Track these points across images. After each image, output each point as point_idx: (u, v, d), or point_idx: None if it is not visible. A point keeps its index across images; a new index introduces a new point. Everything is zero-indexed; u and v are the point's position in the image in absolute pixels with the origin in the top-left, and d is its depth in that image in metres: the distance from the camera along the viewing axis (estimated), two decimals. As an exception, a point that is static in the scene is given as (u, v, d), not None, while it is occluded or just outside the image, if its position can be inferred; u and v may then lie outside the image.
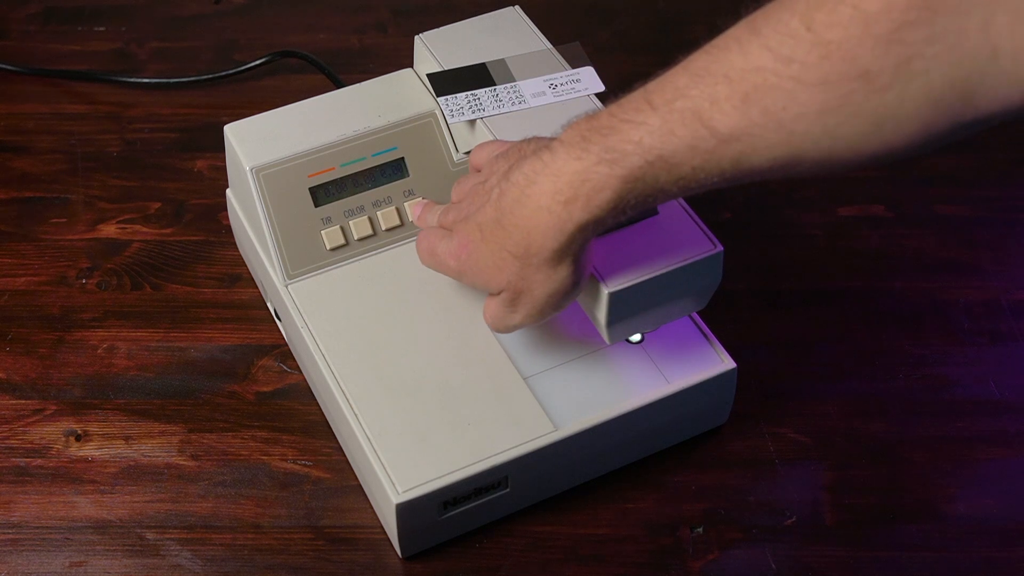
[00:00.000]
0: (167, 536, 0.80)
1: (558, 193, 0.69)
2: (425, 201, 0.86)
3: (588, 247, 0.72)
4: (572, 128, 0.70)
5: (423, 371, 0.81)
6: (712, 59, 0.65)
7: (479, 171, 0.80)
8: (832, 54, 0.61)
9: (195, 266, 0.95)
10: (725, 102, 0.64)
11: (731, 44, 0.65)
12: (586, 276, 0.74)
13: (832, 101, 0.62)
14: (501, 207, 0.72)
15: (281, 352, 0.90)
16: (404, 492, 0.76)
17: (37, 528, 0.81)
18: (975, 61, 0.59)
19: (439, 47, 0.90)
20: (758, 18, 0.64)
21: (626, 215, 0.70)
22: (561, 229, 0.70)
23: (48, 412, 0.86)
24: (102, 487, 0.83)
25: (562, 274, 0.72)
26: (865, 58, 0.60)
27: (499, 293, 0.75)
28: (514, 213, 0.72)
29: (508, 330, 0.78)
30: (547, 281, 0.73)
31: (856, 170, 0.65)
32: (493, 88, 0.87)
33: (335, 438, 0.85)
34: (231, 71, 1.07)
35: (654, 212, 0.78)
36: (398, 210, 0.87)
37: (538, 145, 0.74)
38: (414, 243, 0.84)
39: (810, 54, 0.61)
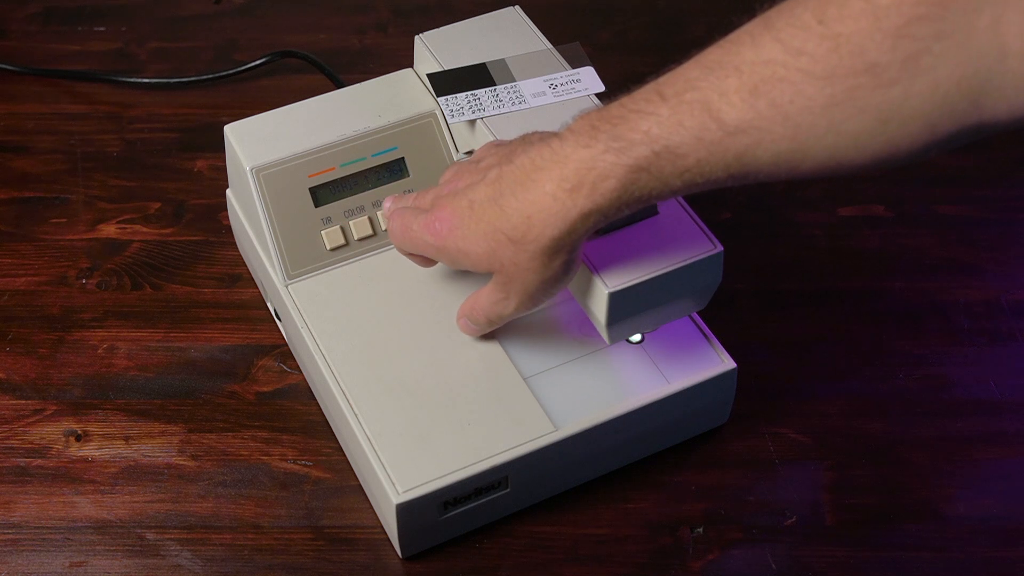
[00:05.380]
0: (167, 536, 0.80)
1: (564, 180, 0.69)
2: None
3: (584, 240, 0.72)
4: (582, 118, 0.71)
5: (423, 371, 0.81)
6: (725, 52, 0.66)
7: None
8: (841, 47, 0.61)
9: (195, 266, 0.95)
10: (734, 94, 0.65)
11: (744, 38, 0.65)
12: (578, 266, 0.74)
13: (838, 95, 0.62)
14: (500, 188, 0.72)
15: (281, 352, 0.90)
16: (404, 492, 0.76)
17: (37, 528, 0.81)
18: (983, 60, 0.59)
19: (439, 47, 0.90)
20: (772, 13, 0.65)
21: (630, 209, 0.70)
22: (564, 217, 0.70)
23: (48, 412, 0.86)
24: (102, 487, 0.83)
25: (556, 263, 0.72)
26: (873, 52, 0.61)
27: (489, 276, 0.75)
28: (516, 195, 0.71)
29: (500, 321, 0.78)
30: (542, 268, 0.73)
31: (859, 174, 0.66)
32: (493, 88, 0.87)
33: (335, 438, 0.85)
34: (231, 71, 1.07)
35: (654, 212, 0.78)
36: (398, 210, 0.87)
37: (544, 135, 0.74)
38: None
39: (819, 47, 0.62)
